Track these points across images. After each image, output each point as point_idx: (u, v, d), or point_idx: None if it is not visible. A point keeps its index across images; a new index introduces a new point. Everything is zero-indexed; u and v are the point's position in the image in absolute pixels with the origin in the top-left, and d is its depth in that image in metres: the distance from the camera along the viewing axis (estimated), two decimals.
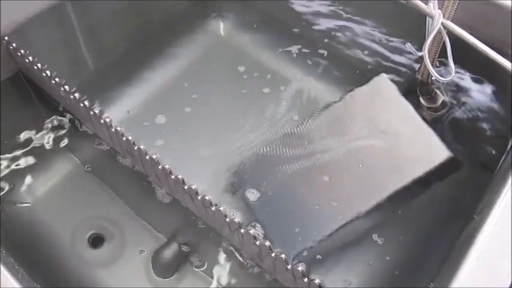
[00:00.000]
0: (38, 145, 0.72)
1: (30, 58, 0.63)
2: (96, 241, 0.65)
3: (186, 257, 0.63)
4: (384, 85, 0.71)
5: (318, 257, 0.61)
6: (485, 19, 0.63)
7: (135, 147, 0.56)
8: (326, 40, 0.81)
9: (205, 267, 0.62)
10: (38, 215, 0.67)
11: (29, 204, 0.67)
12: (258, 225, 0.62)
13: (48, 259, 0.63)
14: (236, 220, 0.50)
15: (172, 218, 0.65)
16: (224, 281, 0.61)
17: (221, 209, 0.51)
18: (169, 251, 0.62)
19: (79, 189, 0.69)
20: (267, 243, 0.48)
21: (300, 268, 0.46)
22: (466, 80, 0.70)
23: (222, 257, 0.63)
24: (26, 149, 0.71)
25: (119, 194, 0.68)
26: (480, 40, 0.56)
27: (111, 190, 0.68)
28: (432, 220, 0.63)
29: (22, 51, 0.63)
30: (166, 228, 0.65)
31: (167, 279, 0.62)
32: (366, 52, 0.78)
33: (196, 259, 0.63)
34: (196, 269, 0.62)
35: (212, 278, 0.61)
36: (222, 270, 0.62)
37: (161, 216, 0.66)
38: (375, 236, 0.62)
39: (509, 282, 0.41)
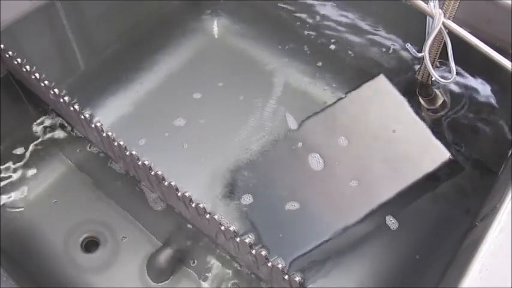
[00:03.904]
0: (29, 148, 0.71)
1: (19, 60, 0.61)
2: (91, 245, 0.64)
3: (181, 262, 0.62)
4: (383, 86, 0.70)
5: (316, 262, 0.61)
6: (487, 18, 0.62)
7: (127, 153, 0.55)
8: (323, 39, 0.81)
9: (200, 272, 0.62)
10: (29, 220, 0.66)
11: (22, 209, 0.66)
12: (253, 232, 0.62)
13: (40, 264, 0.63)
14: (231, 228, 0.48)
15: (166, 223, 0.65)
16: (219, 287, 0.61)
17: (216, 217, 0.49)
18: (164, 256, 0.62)
19: (72, 192, 0.69)
20: (263, 252, 0.47)
21: (297, 278, 0.45)
22: (466, 80, 0.69)
23: (217, 262, 0.62)
24: (16, 152, 0.70)
25: (112, 198, 0.67)
26: (481, 39, 0.55)
27: (105, 194, 0.68)
28: (432, 226, 0.63)
29: (10, 52, 0.62)
30: (161, 232, 0.64)
31: (162, 283, 0.61)
32: (365, 52, 0.78)
33: (191, 264, 0.62)
34: (191, 274, 0.62)
35: (207, 284, 0.61)
36: (217, 276, 0.61)
37: (156, 220, 0.66)
38: (373, 241, 0.62)
39: None
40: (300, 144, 0.69)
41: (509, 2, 0.61)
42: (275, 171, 0.67)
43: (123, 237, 0.65)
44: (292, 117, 0.73)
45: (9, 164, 0.70)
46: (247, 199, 0.65)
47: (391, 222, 0.63)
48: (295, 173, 0.67)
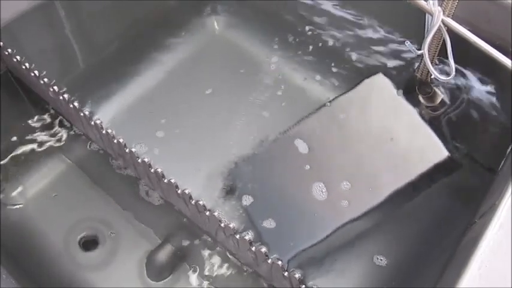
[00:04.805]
0: (28, 146, 0.71)
1: (18, 57, 0.61)
2: (90, 243, 0.64)
3: (180, 260, 0.62)
4: (382, 83, 0.70)
5: (316, 260, 0.61)
6: (487, 17, 0.62)
7: (127, 150, 0.55)
8: (323, 37, 0.80)
9: (199, 270, 0.62)
10: (29, 218, 0.66)
11: (21, 206, 0.66)
12: (253, 230, 0.62)
13: (40, 263, 0.63)
14: (231, 225, 0.48)
15: (166, 221, 0.65)
16: (219, 285, 0.60)
17: (215, 214, 0.49)
18: (164, 254, 0.62)
19: (71, 190, 0.69)
20: (263, 249, 0.47)
21: (297, 275, 0.45)
22: (465, 78, 0.69)
23: (217, 260, 0.62)
24: (16, 150, 0.70)
25: (111, 196, 0.67)
26: (481, 38, 0.55)
27: (104, 192, 0.68)
28: (430, 223, 0.63)
29: (9, 50, 0.62)
30: (161, 230, 0.64)
31: (162, 281, 0.61)
32: (364, 50, 0.78)
33: (191, 262, 0.62)
34: (190, 272, 0.62)
35: (207, 282, 0.61)
36: (217, 274, 0.61)
37: (155, 218, 0.66)
38: (371, 239, 0.62)
39: None
40: (298, 143, 0.69)
41: (509, 1, 0.61)
42: (274, 170, 0.67)
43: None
44: (291, 115, 0.73)
45: (9, 161, 0.70)
46: (247, 200, 0.65)
47: (389, 220, 0.64)
48: (293, 171, 0.67)
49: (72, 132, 0.72)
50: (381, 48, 0.76)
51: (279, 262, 0.46)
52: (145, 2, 0.80)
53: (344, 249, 0.62)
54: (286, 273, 0.46)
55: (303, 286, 0.45)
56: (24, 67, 0.61)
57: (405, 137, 0.67)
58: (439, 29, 0.58)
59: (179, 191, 0.52)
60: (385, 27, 0.77)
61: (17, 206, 0.67)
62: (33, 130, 0.72)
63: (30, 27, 0.68)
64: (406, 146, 0.66)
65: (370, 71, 0.74)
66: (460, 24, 0.57)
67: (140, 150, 0.67)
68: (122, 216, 0.66)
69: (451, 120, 0.69)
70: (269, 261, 0.47)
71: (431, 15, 0.58)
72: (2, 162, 0.69)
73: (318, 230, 0.62)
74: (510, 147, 0.62)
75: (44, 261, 0.63)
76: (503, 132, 0.66)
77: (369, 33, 0.78)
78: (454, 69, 0.59)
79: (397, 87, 0.69)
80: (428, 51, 0.61)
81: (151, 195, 0.66)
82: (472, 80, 0.69)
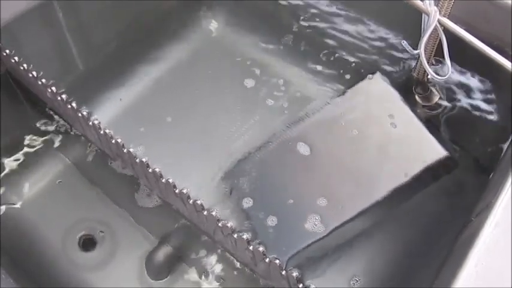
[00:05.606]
0: (26, 147, 0.71)
1: (16, 58, 0.61)
2: (88, 243, 0.64)
3: (179, 259, 0.62)
4: (378, 83, 0.70)
5: (314, 260, 0.61)
6: (486, 17, 0.62)
7: (125, 150, 0.55)
8: (320, 37, 0.80)
9: (198, 269, 0.62)
10: (28, 218, 0.66)
11: (20, 206, 0.66)
12: (252, 229, 0.62)
13: (39, 263, 0.63)
14: (229, 225, 0.48)
15: (164, 221, 0.65)
16: (217, 283, 0.61)
17: (213, 213, 0.49)
18: (162, 253, 0.62)
19: (70, 191, 0.69)
20: (261, 248, 0.47)
21: (294, 274, 0.45)
22: (462, 78, 0.70)
23: (215, 259, 0.62)
24: (14, 151, 0.70)
25: (110, 196, 0.67)
26: (479, 38, 0.55)
27: (103, 192, 0.68)
28: (427, 222, 0.63)
29: (8, 51, 0.62)
30: (159, 230, 0.64)
31: (161, 281, 0.61)
32: (361, 50, 0.78)
33: (190, 261, 0.62)
34: (189, 271, 0.62)
35: (206, 281, 0.61)
36: (216, 273, 0.61)
37: (153, 218, 0.66)
38: (370, 239, 0.62)
39: None
40: (299, 145, 0.69)
41: (509, 1, 0.61)
42: (275, 172, 0.67)
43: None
44: (289, 116, 0.73)
45: (8, 162, 0.70)
46: (244, 198, 0.65)
47: (386, 220, 0.64)
48: (291, 171, 0.67)
49: (70, 133, 0.72)
50: (378, 48, 0.77)
51: (277, 261, 0.46)
52: (144, 3, 0.80)
53: (342, 248, 0.62)
54: (283, 272, 0.46)
55: (301, 285, 0.45)
56: (22, 68, 0.61)
57: (402, 137, 0.67)
58: (435, 29, 0.58)
59: (177, 191, 0.52)
60: (382, 27, 0.77)
61: (16, 206, 0.67)
62: (31, 131, 0.72)
63: (28, 28, 0.68)
64: (403, 146, 0.66)
65: (367, 71, 0.74)
66: (459, 24, 0.57)
67: (139, 150, 0.67)
68: (121, 216, 0.66)
69: (447, 120, 0.69)
70: (267, 260, 0.47)
71: (428, 15, 0.58)
72: (0, 163, 0.69)
73: (315, 231, 0.62)
74: (506, 146, 0.63)
75: (43, 261, 0.63)
76: (500, 131, 0.67)
77: (366, 33, 0.78)
78: (450, 69, 0.60)
79: (394, 87, 0.69)
80: (425, 51, 0.62)
81: (149, 195, 0.67)
82: (469, 79, 0.69)
